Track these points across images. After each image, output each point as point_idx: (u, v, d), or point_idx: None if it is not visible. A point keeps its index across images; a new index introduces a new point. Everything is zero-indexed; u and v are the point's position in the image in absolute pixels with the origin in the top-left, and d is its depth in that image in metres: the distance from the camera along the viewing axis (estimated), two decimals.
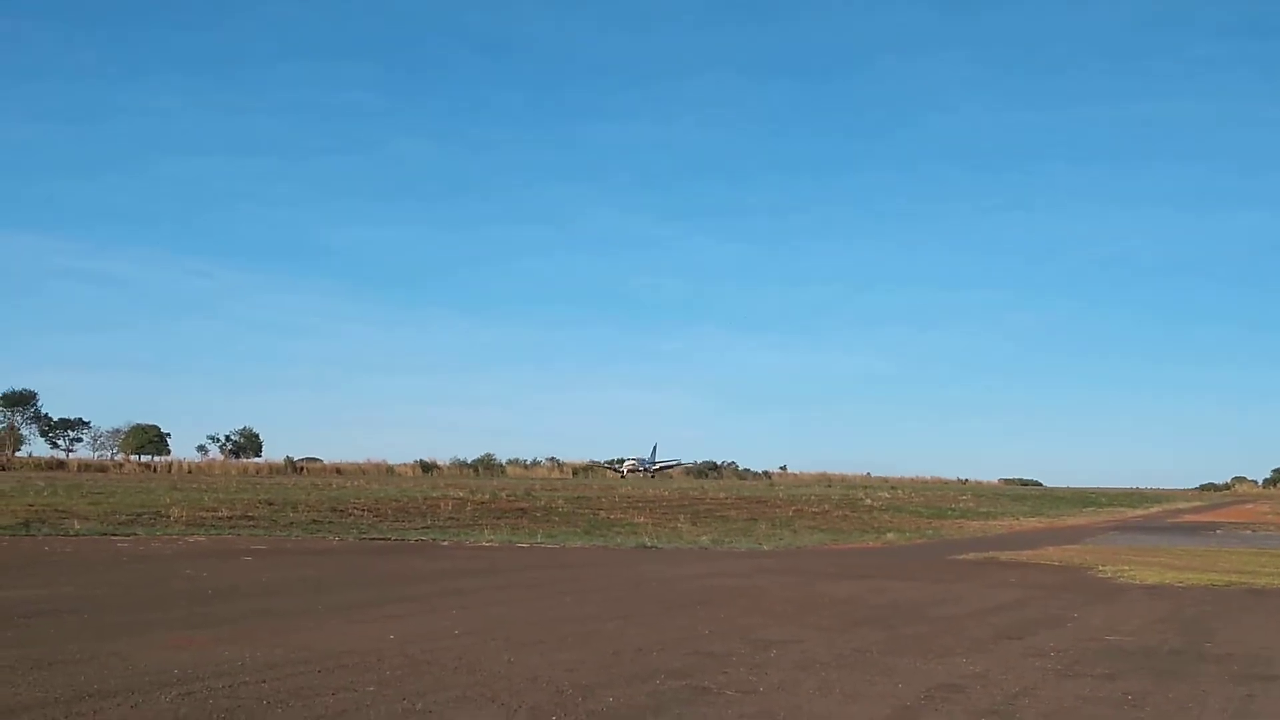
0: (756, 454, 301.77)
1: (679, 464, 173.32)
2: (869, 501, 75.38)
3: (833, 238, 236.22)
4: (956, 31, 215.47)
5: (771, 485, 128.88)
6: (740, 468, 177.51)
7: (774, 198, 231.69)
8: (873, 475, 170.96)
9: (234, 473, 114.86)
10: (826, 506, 66.67)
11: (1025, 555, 34.72)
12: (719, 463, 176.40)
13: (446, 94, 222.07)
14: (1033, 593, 23.32)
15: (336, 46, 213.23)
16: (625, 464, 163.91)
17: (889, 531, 48.63)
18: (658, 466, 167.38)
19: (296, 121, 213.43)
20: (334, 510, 44.88)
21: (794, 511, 61.22)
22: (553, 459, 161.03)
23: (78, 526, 33.05)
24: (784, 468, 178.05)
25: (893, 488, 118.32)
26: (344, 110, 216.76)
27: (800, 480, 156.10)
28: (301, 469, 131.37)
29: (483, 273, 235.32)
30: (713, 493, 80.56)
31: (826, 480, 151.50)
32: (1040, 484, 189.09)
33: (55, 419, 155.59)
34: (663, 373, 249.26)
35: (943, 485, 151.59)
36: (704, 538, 40.10)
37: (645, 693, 11.68)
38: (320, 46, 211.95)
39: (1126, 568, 29.67)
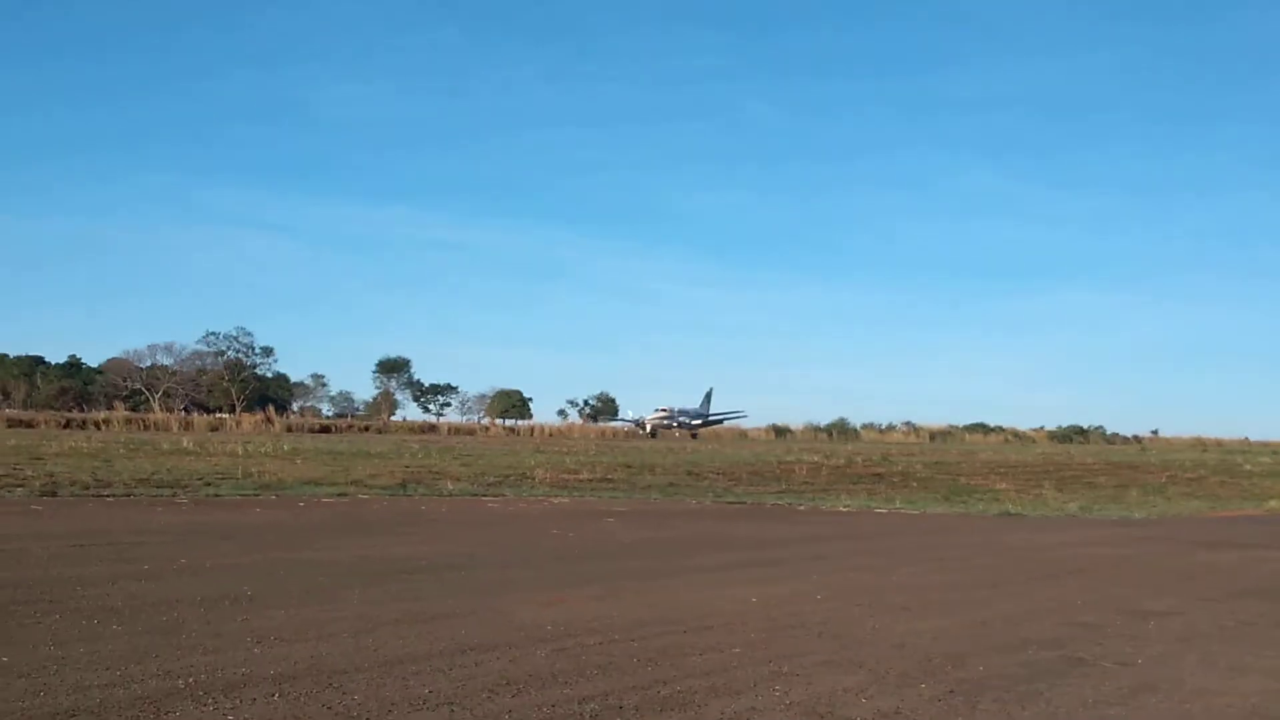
0: (1125, 418, 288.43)
1: (740, 415, 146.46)
2: (1248, 467, 71.07)
3: (1204, 189, 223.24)
4: None
5: (1142, 450, 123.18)
6: (1108, 432, 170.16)
7: (1138, 148, 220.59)
8: (1252, 440, 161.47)
9: (592, 436, 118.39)
10: (1202, 472, 63.35)
11: None
12: (1085, 427, 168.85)
13: (796, 55, 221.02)
14: None
15: (686, 11, 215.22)
16: (649, 416, 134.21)
17: (1272, 499, 45.76)
18: (698, 422, 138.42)
19: (648, 89, 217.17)
20: (689, 474, 45.58)
21: (1167, 478, 58.49)
22: (908, 423, 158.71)
23: (450, 487, 34.65)
24: (1155, 432, 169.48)
25: (1274, 452, 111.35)
26: (694, 75, 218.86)
27: (1173, 445, 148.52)
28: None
29: (834, 235, 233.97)
30: (1079, 458, 77.73)
31: (1201, 445, 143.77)
32: None
33: (426, 384, 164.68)
34: (1024, 334, 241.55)
35: None
36: (1071, 505, 38.70)
37: (1017, 663, 11.32)
38: (670, 12, 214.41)
39: None
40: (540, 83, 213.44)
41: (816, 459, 59.55)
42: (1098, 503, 40.60)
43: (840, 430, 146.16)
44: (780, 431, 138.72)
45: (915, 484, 46.70)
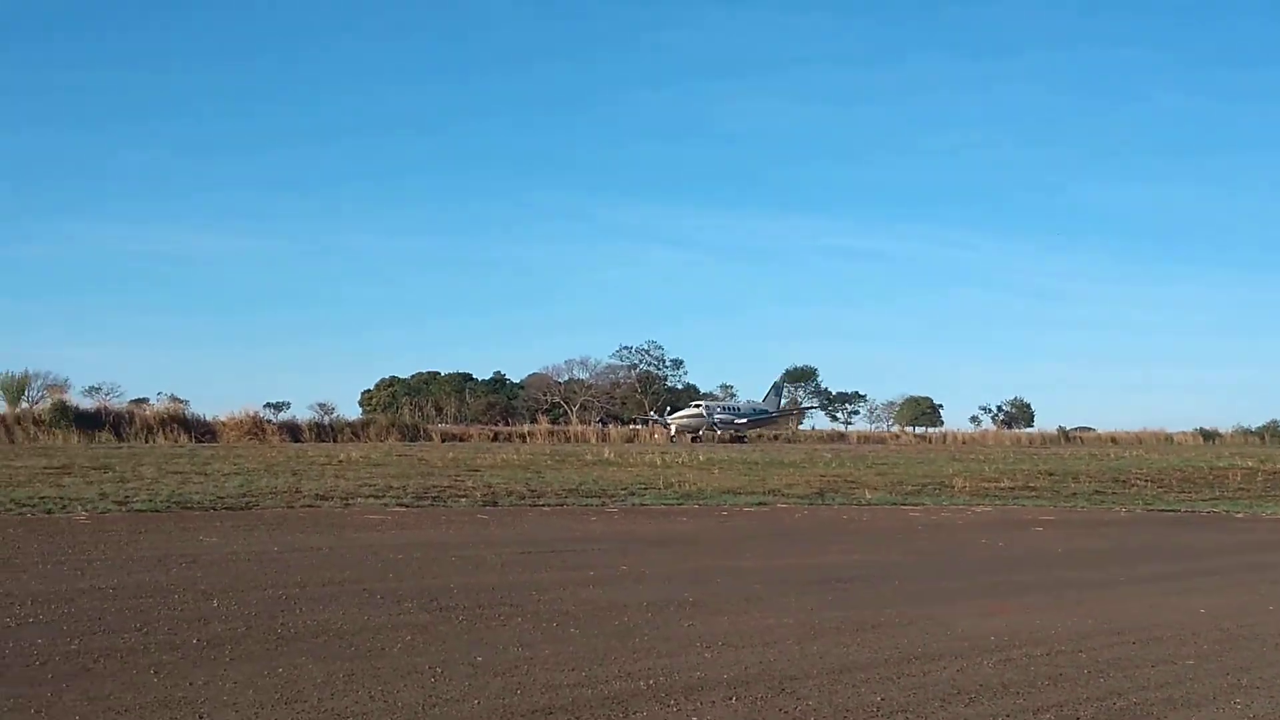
0: None
1: (803, 410, 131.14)
2: None
3: None
4: None
5: None
6: None
7: None
8: None
9: (1007, 443, 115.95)
10: None
11: None
12: None
13: (1209, 40, 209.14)
14: None
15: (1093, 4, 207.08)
16: (674, 416, 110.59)
17: None
18: (744, 421, 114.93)
19: (1051, 83, 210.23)
20: (1115, 480, 43.99)
21: None
22: None
23: (869, 496, 34.63)
24: None
25: None
26: (1105, 66, 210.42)
27: None
28: (1074, 438, 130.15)
29: (1251, 228, 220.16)
30: None
31: None
32: None
33: (834, 392, 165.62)
34: None
35: None
36: None
37: None
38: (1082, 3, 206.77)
39: None
40: (933, 85, 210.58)
41: (1250, 464, 56.37)
42: None
43: (1272, 433, 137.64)
44: (1208, 435, 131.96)
45: None
